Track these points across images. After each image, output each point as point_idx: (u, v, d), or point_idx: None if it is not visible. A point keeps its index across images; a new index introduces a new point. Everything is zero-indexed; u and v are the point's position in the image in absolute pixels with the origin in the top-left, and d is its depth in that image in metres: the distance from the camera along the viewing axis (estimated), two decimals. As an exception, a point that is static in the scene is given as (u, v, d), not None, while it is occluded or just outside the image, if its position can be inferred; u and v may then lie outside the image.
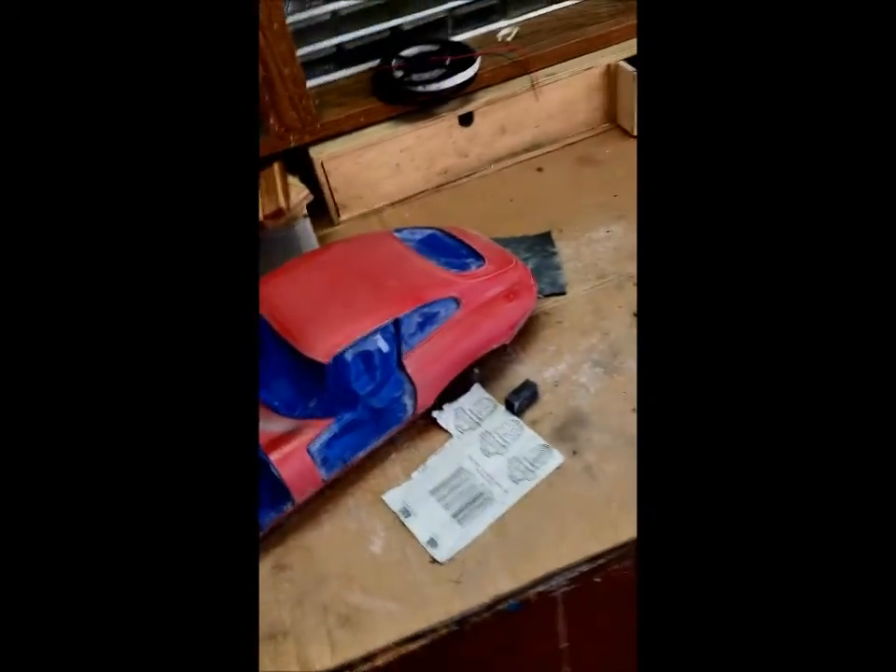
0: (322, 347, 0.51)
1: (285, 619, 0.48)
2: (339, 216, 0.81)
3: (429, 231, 0.65)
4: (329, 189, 0.78)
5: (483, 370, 0.60)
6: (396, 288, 0.55)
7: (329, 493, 0.55)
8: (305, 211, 0.73)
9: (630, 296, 0.65)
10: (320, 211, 0.78)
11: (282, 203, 0.70)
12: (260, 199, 0.72)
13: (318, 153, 0.76)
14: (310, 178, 0.76)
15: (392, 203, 0.82)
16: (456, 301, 0.56)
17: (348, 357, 0.51)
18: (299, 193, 0.73)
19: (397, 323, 0.53)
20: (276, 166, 0.76)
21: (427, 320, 0.55)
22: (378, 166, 0.78)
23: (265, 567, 0.51)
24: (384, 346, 0.53)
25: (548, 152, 0.84)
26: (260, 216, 0.70)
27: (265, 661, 0.46)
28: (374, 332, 0.52)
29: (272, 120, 0.73)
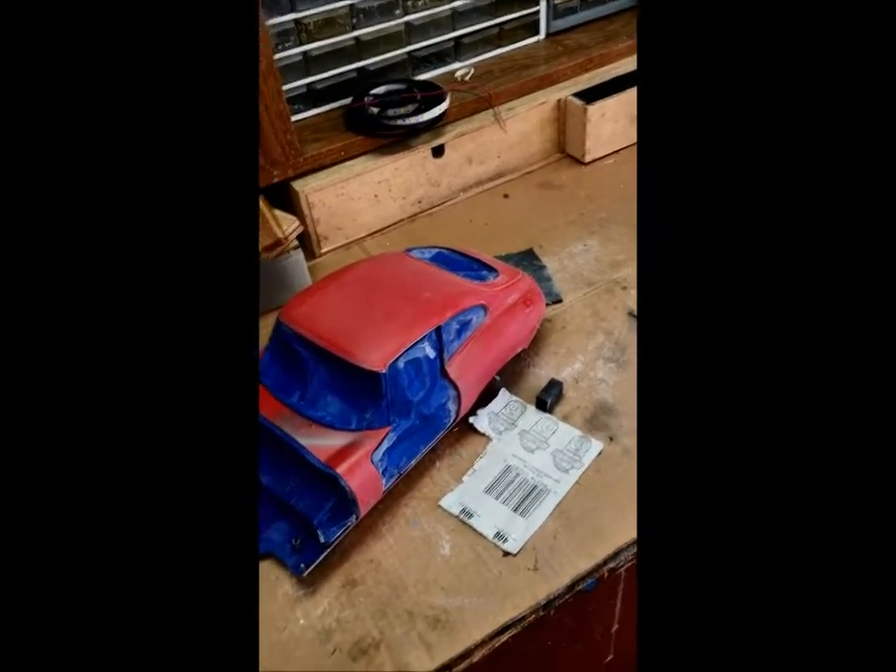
0: (376, 357, 0.52)
1: (371, 631, 0.47)
2: (320, 248, 0.82)
3: (436, 250, 0.68)
4: (312, 222, 0.79)
5: (504, 376, 0.63)
6: (431, 299, 0.57)
7: (383, 506, 0.55)
8: (296, 242, 0.74)
9: (621, 298, 0.71)
10: (302, 244, 0.78)
11: (279, 234, 0.70)
12: (252, 232, 0.72)
13: (302, 186, 0.77)
14: (291, 212, 0.77)
15: (371, 234, 0.84)
16: (484, 308, 0.59)
17: (401, 365, 0.52)
18: (290, 225, 0.73)
19: (439, 331, 0.55)
20: (261, 201, 0.76)
21: (463, 327, 0.57)
22: (358, 197, 0.80)
23: (335, 586, 0.50)
24: (430, 353, 0.54)
25: (510, 180, 0.90)
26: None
27: (363, 676, 0.45)
28: (422, 340, 0.54)
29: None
